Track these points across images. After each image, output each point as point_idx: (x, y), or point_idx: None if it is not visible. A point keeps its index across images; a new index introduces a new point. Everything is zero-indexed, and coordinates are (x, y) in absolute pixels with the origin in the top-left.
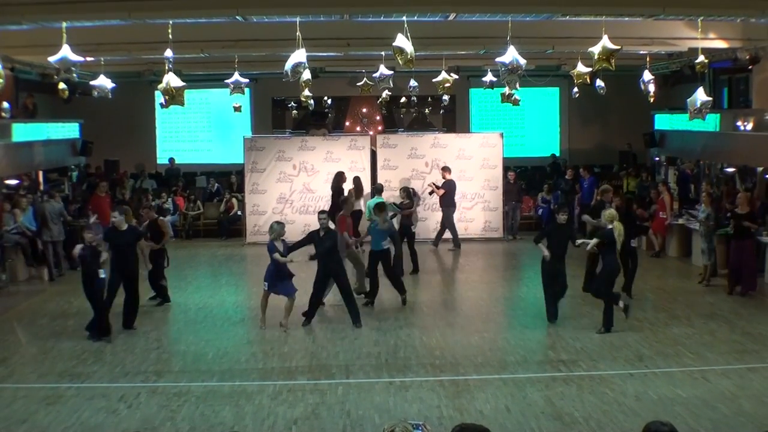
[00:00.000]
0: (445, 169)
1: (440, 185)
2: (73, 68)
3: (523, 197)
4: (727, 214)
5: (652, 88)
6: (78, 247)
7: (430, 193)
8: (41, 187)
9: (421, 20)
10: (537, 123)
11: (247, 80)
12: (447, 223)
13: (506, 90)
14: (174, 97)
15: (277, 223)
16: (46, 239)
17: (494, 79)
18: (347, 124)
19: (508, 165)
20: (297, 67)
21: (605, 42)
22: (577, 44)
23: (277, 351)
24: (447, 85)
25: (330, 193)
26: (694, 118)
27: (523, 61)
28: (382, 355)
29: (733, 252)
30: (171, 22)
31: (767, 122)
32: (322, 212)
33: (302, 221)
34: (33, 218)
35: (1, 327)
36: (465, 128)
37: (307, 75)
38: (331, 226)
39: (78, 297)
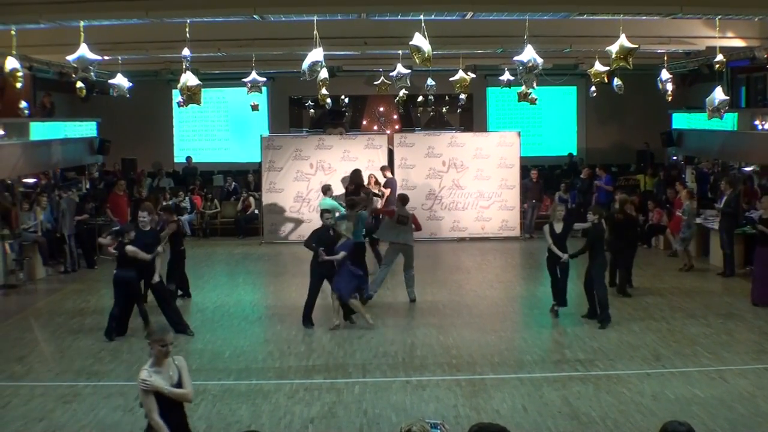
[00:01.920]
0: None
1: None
2: (90, 67)
3: (543, 196)
4: (744, 213)
5: (669, 87)
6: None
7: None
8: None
9: (438, 19)
10: (554, 122)
11: (265, 79)
12: None
13: (523, 89)
14: (191, 95)
15: None
16: (65, 233)
17: (511, 78)
18: (364, 122)
19: (526, 164)
20: (314, 65)
21: (623, 41)
22: (595, 43)
23: (294, 350)
24: (464, 84)
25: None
26: (712, 117)
27: (540, 60)
28: (399, 354)
29: (757, 260)
30: (188, 21)
31: None
32: (327, 211)
33: (319, 220)
34: (51, 214)
35: (18, 325)
36: (482, 127)
37: (324, 74)
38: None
39: (95, 295)
